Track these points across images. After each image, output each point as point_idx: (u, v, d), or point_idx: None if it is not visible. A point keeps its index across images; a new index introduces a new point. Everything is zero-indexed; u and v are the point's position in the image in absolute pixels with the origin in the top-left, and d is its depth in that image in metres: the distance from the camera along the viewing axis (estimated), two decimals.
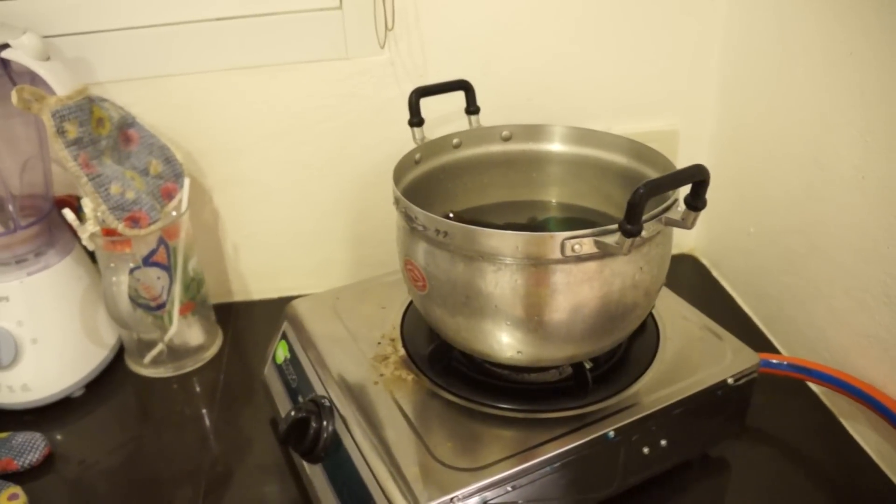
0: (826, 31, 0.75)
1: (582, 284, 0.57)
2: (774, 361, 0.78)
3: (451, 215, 0.77)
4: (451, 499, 0.57)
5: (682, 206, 0.56)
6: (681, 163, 1.01)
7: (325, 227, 1.01)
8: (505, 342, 0.61)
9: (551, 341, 0.60)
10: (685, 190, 0.55)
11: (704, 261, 1.09)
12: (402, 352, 0.72)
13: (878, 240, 0.71)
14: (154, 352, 0.90)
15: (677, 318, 0.75)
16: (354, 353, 0.72)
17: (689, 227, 0.55)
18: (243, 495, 0.74)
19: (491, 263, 0.57)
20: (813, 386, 0.84)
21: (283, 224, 1.01)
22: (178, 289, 0.88)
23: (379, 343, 0.73)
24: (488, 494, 0.57)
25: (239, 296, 1.05)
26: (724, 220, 1.01)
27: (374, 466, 0.61)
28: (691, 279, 1.06)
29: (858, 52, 0.71)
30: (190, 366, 0.92)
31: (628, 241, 0.51)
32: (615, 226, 0.53)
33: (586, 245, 0.54)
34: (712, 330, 0.73)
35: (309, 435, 0.67)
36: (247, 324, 1.01)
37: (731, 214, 0.99)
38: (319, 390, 0.71)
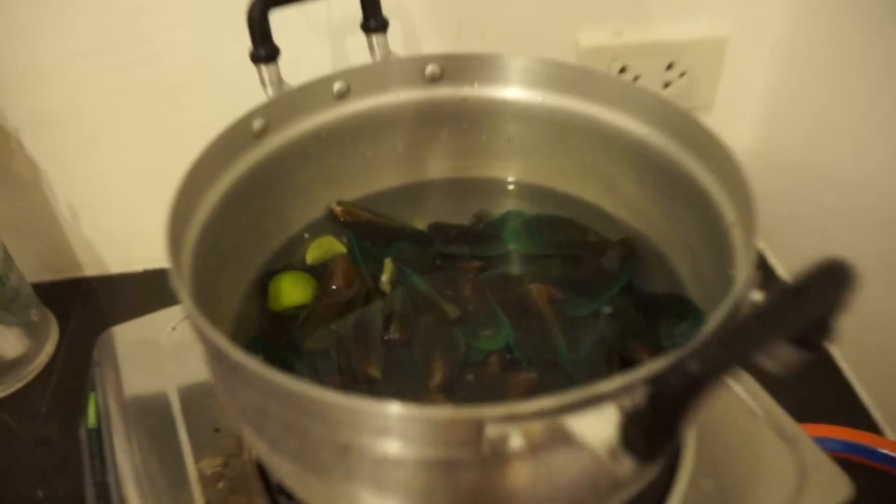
0: None
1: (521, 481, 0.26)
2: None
3: (336, 209, 0.45)
4: None
5: None
6: (725, 94, 0.68)
7: None
8: None
9: None
10: None
11: None
12: (249, 457, 0.42)
13: None
14: None
15: (727, 411, 0.44)
16: (174, 454, 0.43)
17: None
18: None
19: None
20: None
21: (133, 175, 0.72)
22: None
23: (217, 431, 0.44)
24: None
25: (91, 269, 0.78)
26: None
27: None
28: None
29: None
30: (10, 384, 0.66)
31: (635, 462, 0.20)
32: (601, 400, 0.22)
33: (539, 436, 0.23)
34: (784, 433, 0.42)
35: None
36: (105, 304, 0.76)
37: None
38: None
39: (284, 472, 0.34)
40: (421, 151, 0.47)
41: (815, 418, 0.46)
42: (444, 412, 0.22)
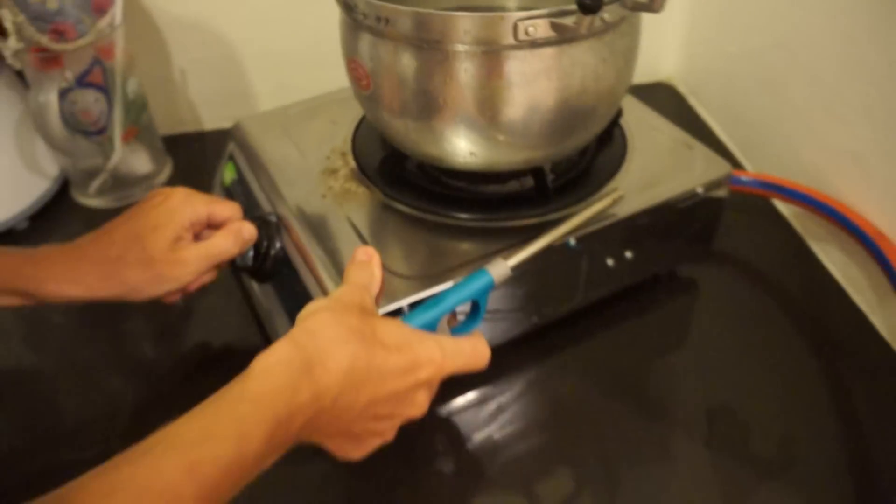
0: None
1: (539, 76, 0.52)
2: (745, 178, 0.75)
3: None
4: (401, 308, 0.54)
5: None
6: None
7: (281, 48, 0.93)
8: (456, 143, 0.57)
9: (506, 142, 0.56)
10: None
11: (682, 88, 1.04)
12: (352, 164, 0.67)
13: (864, 47, 0.66)
14: (98, 180, 0.85)
15: (647, 128, 0.71)
16: (302, 168, 0.68)
17: (657, 10, 0.49)
18: (198, 321, 0.72)
19: (437, 52, 0.51)
20: (782, 208, 0.81)
21: (235, 45, 0.93)
22: (118, 112, 0.82)
23: (328, 157, 0.69)
24: None
25: (190, 126, 1.00)
26: (703, 42, 0.96)
27: (323, 280, 0.58)
28: (667, 108, 1.01)
29: None
30: (138, 195, 0.87)
31: (587, 19, 0.46)
32: (574, 6, 0.47)
33: (541, 27, 0.49)
34: (683, 140, 0.69)
35: (258, 254, 0.64)
36: (199, 154, 0.96)
37: (711, 35, 0.93)
38: (267, 208, 0.67)
39: (384, 118, 0.58)
40: None
41: None
42: (502, 15, 0.47)
